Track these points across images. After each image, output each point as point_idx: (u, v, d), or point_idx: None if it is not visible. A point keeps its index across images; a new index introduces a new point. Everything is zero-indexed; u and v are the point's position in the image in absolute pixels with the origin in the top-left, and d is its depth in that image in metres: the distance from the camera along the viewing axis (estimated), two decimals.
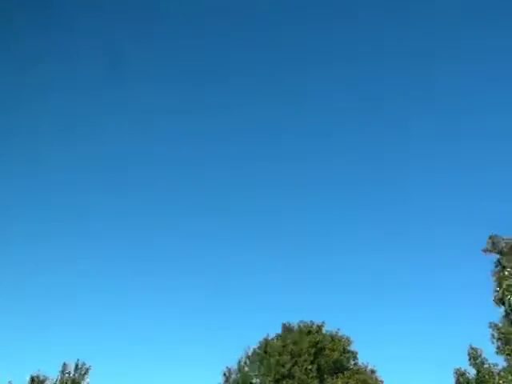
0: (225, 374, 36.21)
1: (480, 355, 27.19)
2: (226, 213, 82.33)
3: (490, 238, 27.34)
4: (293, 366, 34.61)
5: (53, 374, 32.30)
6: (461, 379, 27.14)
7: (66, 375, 32.04)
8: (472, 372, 27.15)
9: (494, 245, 27.21)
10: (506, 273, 25.38)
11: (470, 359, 27.51)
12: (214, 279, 71.49)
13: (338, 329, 37.01)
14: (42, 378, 32.63)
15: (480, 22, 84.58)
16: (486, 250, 27.36)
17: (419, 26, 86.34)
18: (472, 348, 27.55)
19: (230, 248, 79.26)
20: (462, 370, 27.40)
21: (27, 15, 79.16)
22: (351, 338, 36.68)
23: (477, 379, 26.75)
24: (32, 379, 32.52)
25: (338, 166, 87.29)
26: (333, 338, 36.20)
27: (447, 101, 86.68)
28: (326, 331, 36.81)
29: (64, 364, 32.20)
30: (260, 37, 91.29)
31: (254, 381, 35.05)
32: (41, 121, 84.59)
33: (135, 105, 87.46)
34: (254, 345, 36.92)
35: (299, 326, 36.89)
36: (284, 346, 35.32)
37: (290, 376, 34.42)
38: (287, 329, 37.09)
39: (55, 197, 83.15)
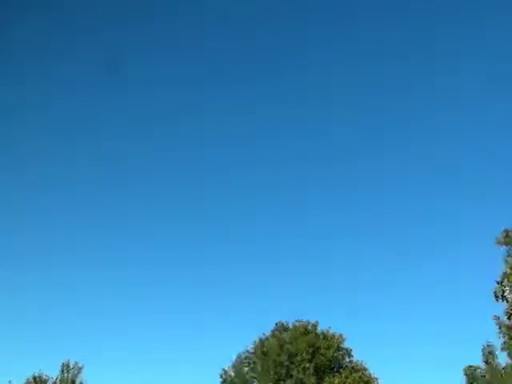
0: (221, 376, 35.37)
1: (493, 352, 26.92)
2: (225, 217, 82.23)
3: (505, 230, 26.82)
4: (291, 365, 33.96)
5: (51, 373, 32.30)
6: (470, 375, 26.82)
7: (65, 375, 32.45)
8: (482, 367, 26.97)
9: (507, 237, 26.64)
10: None
11: (483, 354, 27.21)
12: (210, 283, 71.14)
13: (329, 327, 36.46)
14: (43, 377, 32.82)
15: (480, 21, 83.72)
16: (499, 242, 26.76)
17: (419, 24, 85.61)
18: (488, 344, 27.24)
19: (224, 250, 78.64)
20: (473, 366, 27.18)
21: (27, 17, 78.70)
22: (344, 335, 36.11)
23: (485, 375, 26.48)
24: (34, 379, 32.68)
25: (337, 167, 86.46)
26: (325, 336, 35.64)
27: (447, 99, 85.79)
28: (317, 330, 36.10)
29: (63, 364, 32.21)
30: (260, 39, 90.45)
31: (252, 382, 34.52)
32: (41, 122, 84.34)
33: (134, 105, 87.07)
34: (248, 345, 36.20)
35: (294, 326, 36.12)
36: (281, 346, 34.63)
37: (289, 376, 33.68)
38: (283, 328, 36.27)
39: (54, 197, 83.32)
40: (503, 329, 25.39)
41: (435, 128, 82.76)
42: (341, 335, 36.08)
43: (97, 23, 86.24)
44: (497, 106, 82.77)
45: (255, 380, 34.60)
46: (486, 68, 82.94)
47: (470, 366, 27.41)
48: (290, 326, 36.46)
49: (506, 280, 25.65)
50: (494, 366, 26.68)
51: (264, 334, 36.20)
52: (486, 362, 26.58)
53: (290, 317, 36.81)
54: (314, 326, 36.30)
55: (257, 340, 36.00)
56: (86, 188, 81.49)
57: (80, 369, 32.47)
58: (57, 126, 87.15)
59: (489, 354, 26.72)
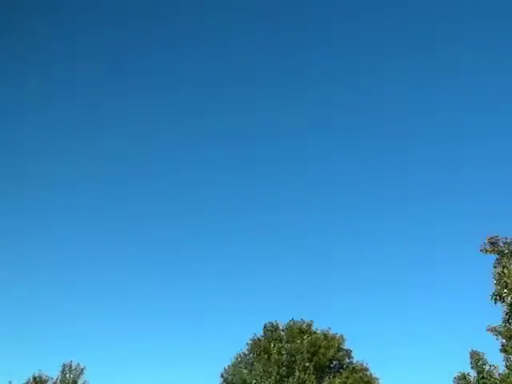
0: (222, 376, 35.88)
1: (481, 358, 27.10)
2: (225, 217, 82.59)
3: (489, 238, 26.90)
4: (290, 364, 34.37)
5: (51, 374, 32.82)
6: (461, 382, 27.03)
7: (67, 375, 32.66)
8: (472, 375, 27.12)
9: (492, 245, 26.82)
10: (506, 271, 24.96)
11: (471, 362, 27.40)
12: (210, 283, 71.63)
13: (329, 327, 36.73)
14: (43, 377, 33.08)
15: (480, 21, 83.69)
16: (484, 250, 26.88)
17: (419, 24, 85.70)
18: (475, 352, 27.41)
19: (224, 250, 78.93)
20: (464, 373, 27.30)
21: (28, 18, 79.01)
22: (344, 337, 36.32)
23: (478, 381, 26.69)
24: (34, 379, 32.91)
25: (337, 167, 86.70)
26: (325, 337, 35.87)
27: (447, 99, 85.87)
28: (318, 330, 36.45)
29: (64, 365, 32.70)
30: (260, 39, 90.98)
31: (251, 381, 34.74)
32: (41, 122, 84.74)
33: (135, 105, 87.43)
34: (242, 345, 36.71)
35: (289, 325, 36.50)
36: (280, 347, 34.96)
37: (292, 373, 33.99)
38: (273, 328, 36.66)
39: (54, 197, 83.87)
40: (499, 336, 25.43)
41: (435, 128, 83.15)
42: (341, 336, 36.26)
43: (98, 23, 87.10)
44: (497, 106, 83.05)
45: (255, 380, 34.76)
46: (485, 68, 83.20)
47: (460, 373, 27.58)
48: (280, 326, 36.76)
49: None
50: (486, 372, 26.84)
51: (255, 334, 36.67)
52: (478, 370, 26.70)
53: (290, 316, 37.15)
54: (309, 325, 36.57)
55: (250, 341, 36.40)
56: (86, 187, 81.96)
57: (82, 370, 33.03)
58: (57, 125, 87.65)
59: (478, 361, 26.92)
